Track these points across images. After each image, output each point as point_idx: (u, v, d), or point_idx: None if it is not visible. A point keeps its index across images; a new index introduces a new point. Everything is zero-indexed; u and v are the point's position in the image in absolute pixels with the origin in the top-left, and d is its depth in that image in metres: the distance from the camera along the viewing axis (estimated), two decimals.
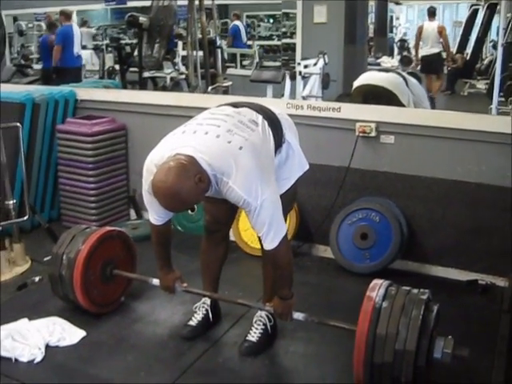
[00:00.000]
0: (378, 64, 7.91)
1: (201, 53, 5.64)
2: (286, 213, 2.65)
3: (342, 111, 3.83)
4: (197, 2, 5.34)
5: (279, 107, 3.87)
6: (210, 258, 3.08)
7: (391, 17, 10.54)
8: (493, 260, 3.57)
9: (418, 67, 7.95)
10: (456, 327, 2.98)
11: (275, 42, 8.05)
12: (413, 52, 8.47)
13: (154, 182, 2.29)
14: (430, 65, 7.69)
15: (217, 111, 2.64)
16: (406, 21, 10.53)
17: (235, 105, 2.68)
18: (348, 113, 3.83)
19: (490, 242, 3.58)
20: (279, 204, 2.46)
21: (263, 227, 2.44)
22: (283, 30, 8.40)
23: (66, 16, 7.91)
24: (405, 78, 4.57)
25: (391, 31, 10.38)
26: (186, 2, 5.39)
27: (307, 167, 2.81)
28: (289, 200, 2.74)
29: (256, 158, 2.40)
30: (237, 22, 8.40)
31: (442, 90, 8.35)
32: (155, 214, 2.69)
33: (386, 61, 8.04)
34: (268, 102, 4.09)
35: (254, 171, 2.37)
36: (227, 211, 2.87)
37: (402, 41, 9.62)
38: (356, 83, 4.84)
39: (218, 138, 2.40)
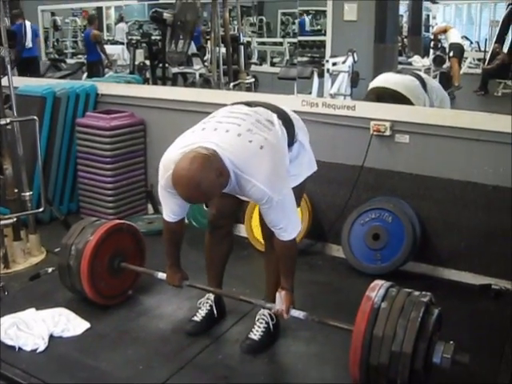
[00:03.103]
0: (410, 63, 7.79)
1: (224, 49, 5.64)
2: None
3: (357, 109, 3.79)
4: None
5: (294, 104, 3.91)
6: (215, 255, 3.08)
7: (427, 16, 10.38)
8: (508, 264, 3.46)
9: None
10: (465, 332, 2.95)
11: (305, 38, 8.00)
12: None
13: (177, 170, 2.30)
14: (456, 50, 7.91)
15: (234, 109, 2.66)
16: (442, 20, 10.35)
17: (249, 104, 2.71)
18: (363, 111, 3.79)
19: (506, 246, 3.47)
20: (294, 199, 2.55)
21: (283, 220, 2.52)
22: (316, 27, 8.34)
23: (16, 15, 8.42)
24: (423, 81, 4.41)
25: (427, 30, 10.23)
26: None
27: (315, 168, 2.87)
28: (295, 197, 2.74)
29: (275, 156, 2.47)
30: None
31: (474, 90, 8.22)
32: (169, 211, 2.71)
33: (418, 60, 7.91)
34: (282, 98, 4.07)
35: (274, 169, 2.43)
36: (233, 205, 2.90)
37: (438, 40, 9.46)
38: (371, 85, 4.74)
39: (240, 137, 2.45)
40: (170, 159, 2.45)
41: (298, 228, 2.62)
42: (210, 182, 2.28)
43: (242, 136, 2.45)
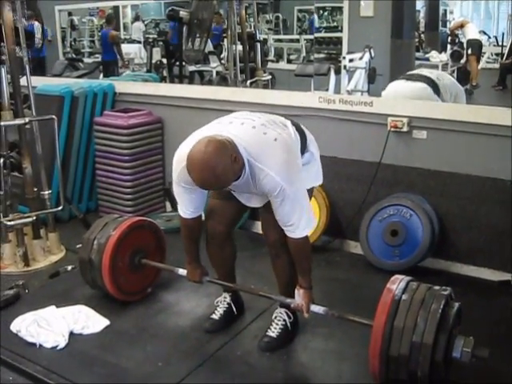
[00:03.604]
0: (427, 59, 7.76)
1: (241, 47, 5.66)
2: None
3: (374, 105, 3.78)
4: None
5: (311, 101, 3.93)
6: (219, 261, 3.04)
7: (444, 10, 10.32)
8: None
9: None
10: (484, 327, 2.93)
11: (322, 35, 7.98)
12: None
13: (192, 153, 2.29)
14: (474, 46, 7.88)
15: (249, 112, 2.70)
16: (460, 15, 10.27)
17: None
18: (380, 107, 3.78)
19: None
20: (307, 195, 2.56)
21: (295, 215, 2.50)
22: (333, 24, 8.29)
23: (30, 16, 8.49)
24: (435, 84, 4.25)
25: (444, 25, 10.17)
26: None
27: (321, 182, 2.88)
28: None
29: (289, 150, 2.49)
30: None
31: (493, 85, 8.16)
32: (184, 207, 2.73)
33: (435, 55, 7.87)
34: (299, 95, 4.08)
35: (288, 161, 2.45)
36: (233, 210, 2.89)
37: (456, 35, 9.40)
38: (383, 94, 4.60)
39: (255, 129, 2.49)
40: (183, 153, 2.43)
41: (312, 225, 2.60)
42: (224, 166, 2.28)
43: (256, 128, 2.49)
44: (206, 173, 2.28)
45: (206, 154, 2.25)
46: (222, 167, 2.27)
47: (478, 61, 8.05)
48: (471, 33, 8.46)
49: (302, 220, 2.52)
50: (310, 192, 2.78)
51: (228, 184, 2.44)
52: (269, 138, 2.46)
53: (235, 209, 2.86)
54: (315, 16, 8.34)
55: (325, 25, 8.88)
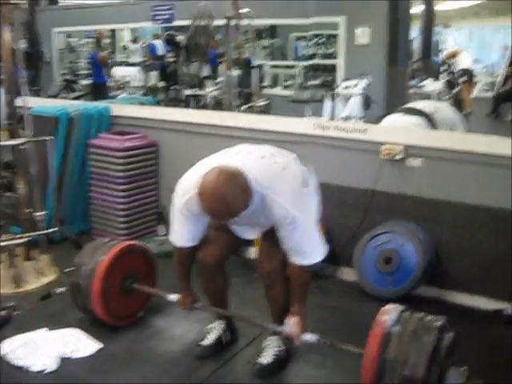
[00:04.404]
0: (421, 87, 7.82)
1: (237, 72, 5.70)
2: None
3: (369, 133, 3.79)
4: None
5: (305, 127, 3.94)
6: (210, 291, 3.01)
7: (439, 40, 10.42)
8: None
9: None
10: (477, 357, 2.90)
11: (317, 61, 8.05)
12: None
13: (203, 183, 2.33)
14: (466, 76, 8.01)
15: (252, 145, 2.72)
16: (454, 44, 10.39)
17: None
18: (374, 135, 3.79)
19: None
20: (317, 222, 2.57)
21: (309, 242, 2.54)
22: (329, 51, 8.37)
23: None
24: (430, 119, 4.26)
25: (438, 54, 10.26)
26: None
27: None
28: None
29: (297, 179, 2.53)
30: (155, 41, 8.55)
31: (486, 113, 8.22)
32: (180, 235, 2.74)
33: (429, 84, 7.93)
34: (293, 121, 4.09)
35: (297, 189, 2.48)
36: (226, 243, 2.88)
37: (448, 64, 9.50)
38: None
39: (263, 159, 2.54)
40: (190, 184, 2.50)
41: (324, 250, 2.60)
42: (234, 195, 2.30)
43: (265, 158, 2.54)
44: (216, 202, 2.31)
45: (216, 183, 2.29)
46: (231, 197, 2.30)
47: (470, 89, 8.11)
48: (464, 62, 8.53)
49: (316, 247, 2.56)
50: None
51: (237, 215, 2.42)
52: (278, 168, 2.51)
53: (229, 242, 2.86)
54: (298, 43, 8.41)
55: (321, 51, 8.93)
